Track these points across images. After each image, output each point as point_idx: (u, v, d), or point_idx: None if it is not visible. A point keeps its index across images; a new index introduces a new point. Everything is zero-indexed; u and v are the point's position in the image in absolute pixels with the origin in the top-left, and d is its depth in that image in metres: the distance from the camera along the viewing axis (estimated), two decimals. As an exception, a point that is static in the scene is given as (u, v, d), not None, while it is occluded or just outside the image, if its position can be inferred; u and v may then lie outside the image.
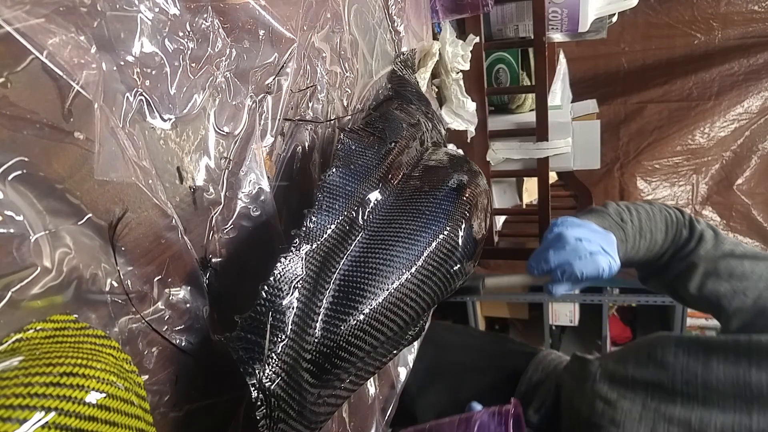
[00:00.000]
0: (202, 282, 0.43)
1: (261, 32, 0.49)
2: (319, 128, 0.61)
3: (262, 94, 0.50)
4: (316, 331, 0.46)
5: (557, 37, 1.22)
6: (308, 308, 0.45)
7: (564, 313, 2.30)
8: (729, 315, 0.66)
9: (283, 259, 0.43)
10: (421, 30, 0.93)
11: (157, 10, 0.38)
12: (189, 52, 0.41)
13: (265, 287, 0.41)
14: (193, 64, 0.42)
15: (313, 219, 0.47)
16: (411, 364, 0.94)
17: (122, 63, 0.36)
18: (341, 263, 0.50)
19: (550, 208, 1.18)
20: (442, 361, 0.94)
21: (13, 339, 0.29)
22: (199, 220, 0.44)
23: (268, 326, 0.41)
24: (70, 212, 0.33)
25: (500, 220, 1.43)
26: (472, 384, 0.89)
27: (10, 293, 0.29)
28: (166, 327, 0.40)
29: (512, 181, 1.44)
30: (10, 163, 0.29)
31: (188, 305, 0.42)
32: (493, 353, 0.93)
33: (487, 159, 1.19)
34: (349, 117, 0.67)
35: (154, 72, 0.38)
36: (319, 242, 0.47)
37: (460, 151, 0.87)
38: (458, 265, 0.59)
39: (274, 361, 0.41)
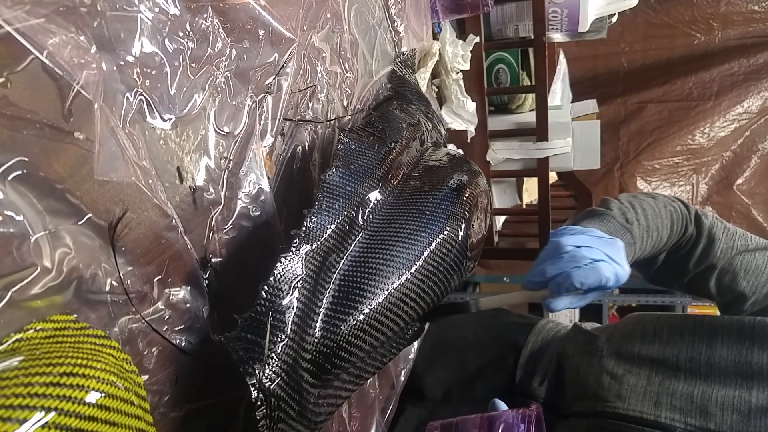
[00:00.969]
0: (202, 282, 0.43)
1: (261, 32, 0.49)
2: (319, 128, 0.61)
3: (262, 94, 0.50)
4: (316, 331, 0.46)
5: (557, 37, 1.22)
6: (308, 308, 0.45)
7: (564, 313, 2.30)
8: (746, 307, 0.69)
9: (283, 259, 0.43)
10: (421, 30, 0.93)
11: (157, 10, 0.38)
12: (189, 52, 0.41)
13: (265, 287, 0.41)
14: (193, 64, 0.42)
15: (313, 219, 0.47)
16: (411, 364, 0.94)
17: (122, 63, 0.36)
18: (341, 263, 0.50)
19: (550, 208, 1.18)
20: (444, 338, 0.95)
21: (13, 339, 0.29)
22: (199, 220, 0.44)
23: (268, 326, 0.41)
24: (70, 212, 0.33)
25: (500, 220, 1.43)
26: (475, 358, 0.89)
27: (10, 293, 0.29)
28: (166, 327, 0.40)
29: (512, 181, 1.44)
30: (10, 163, 0.29)
31: (188, 305, 0.42)
32: (493, 327, 0.94)
33: (487, 159, 1.19)
34: (349, 117, 0.67)
35: (154, 72, 0.38)
36: (319, 242, 0.47)
37: (460, 151, 0.87)
38: (458, 265, 0.59)
39: (274, 361, 0.41)
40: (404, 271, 0.52)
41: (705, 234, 0.71)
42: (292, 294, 0.43)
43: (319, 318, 0.46)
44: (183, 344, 0.42)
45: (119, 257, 0.36)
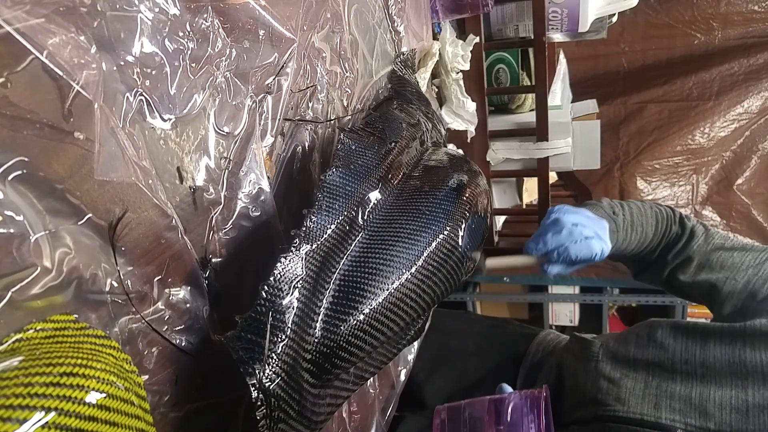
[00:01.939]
0: (202, 282, 0.43)
1: (261, 32, 0.49)
2: (319, 128, 0.61)
3: (262, 94, 0.50)
4: (316, 331, 0.46)
5: (557, 37, 1.22)
6: (308, 308, 0.45)
7: (564, 313, 2.30)
8: (722, 299, 0.72)
9: (283, 259, 0.43)
10: (421, 30, 0.93)
11: (157, 10, 0.38)
12: (189, 52, 0.41)
13: (265, 287, 0.41)
14: (193, 64, 0.42)
15: (313, 219, 0.47)
16: (411, 364, 0.94)
17: (122, 63, 0.36)
18: (341, 263, 0.50)
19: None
20: (446, 347, 0.96)
21: (13, 339, 0.29)
22: (199, 220, 0.44)
23: (268, 326, 0.41)
24: (70, 212, 0.33)
25: (500, 220, 1.43)
26: (476, 367, 0.90)
27: (10, 293, 0.29)
28: (166, 327, 0.40)
29: (512, 181, 1.44)
30: (10, 163, 0.29)
31: (188, 305, 0.42)
32: (495, 336, 0.96)
33: (487, 159, 1.19)
34: (349, 117, 0.67)
35: (154, 72, 0.38)
36: (319, 242, 0.47)
37: (460, 151, 0.87)
38: (458, 265, 0.59)
39: (274, 361, 0.41)
40: (404, 271, 0.52)
41: (687, 232, 0.76)
42: (292, 294, 0.43)
43: (319, 318, 0.46)
44: (183, 344, 0.42)
45: (119, 257, 0.36)
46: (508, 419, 0.58)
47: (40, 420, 0.25)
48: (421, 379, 0.93)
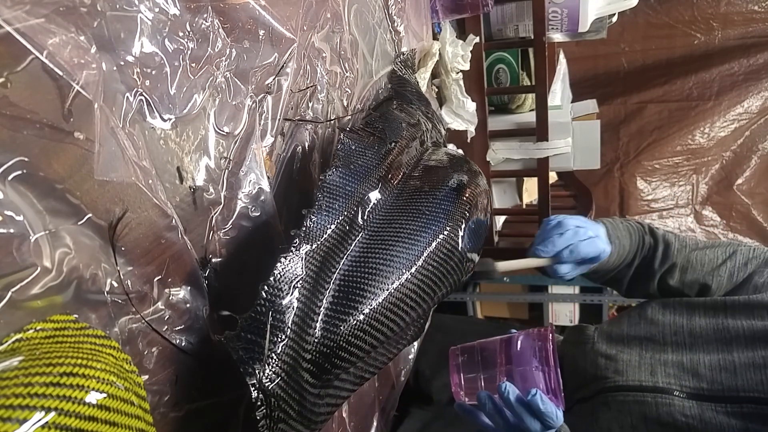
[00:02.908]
0: (202, 282, 0.43)
1: (261, 32, 0.49)
2: (319, 128, 0.61)
3: (262, 94, 0.50)
4: (316, 331, 0.46)
5: (557, 37, 1.22)
6: (308, 308, 0.45)
7: (564, 313, 2.30)
8: (713, 292, 0.78)
9: (283, 259, 0.43)
10: (421, 30, 0.93)
11: (157, 10, 0.38)
12: (189, 52, 0.41)
13: (265, 287, 0.41)
14: (193, 64, 0.42)
15: (313, 219, 0.47)
16: (412, 363, 0.94)
17: (122, 63, 0.36)
18: (341, 263, 0.50)
19: (550, 208, 1.18)
20: (451, 345, 0.99)
21: (13, 339, 0.29)
22: (199, 220, 0.44)
23: (268, 326, 0.41)
24: (70, 212, 0.33)
25: (500, 220, 1.43)
26: None
27: (10, 293, 0.29)
28: (166, 327, 0.40)
29: (512, 181, 1.44)
30: (10, 163, 0.29)
31: (188, 305, 0.42)
32: (497, 334, 0.98)
33: (487, 159, 1.18)
34: (349, 117, 0.67)
35: (154, 72, 0.38)
36: (319, 242, 0.47)
37: (460, 151, 0.87)
38: (458, 265, 0.59)
39: (274, 361, 0.41)
40: (404, 271, 0.52)
41: (660, 240, 0.80)
42: (292, 294, 0.43)
43: (319, 318, 0.46)
44: (183, 344, 0.42)
45: (119, 257, 0.36)
46: (518, 349, 0.63)
47: (40, 420, 0.25)
48: (428, 375, 0.96)
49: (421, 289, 0.54)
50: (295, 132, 0.56)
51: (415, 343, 0.95)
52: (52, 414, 0.26)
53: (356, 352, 0.49)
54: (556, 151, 1.16)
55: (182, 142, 0.41)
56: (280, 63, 0.52)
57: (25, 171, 0.30)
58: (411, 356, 0.95)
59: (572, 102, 1.42)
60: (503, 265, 0.75)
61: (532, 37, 1.08)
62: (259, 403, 0.39)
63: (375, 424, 0.79)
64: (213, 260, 0.45)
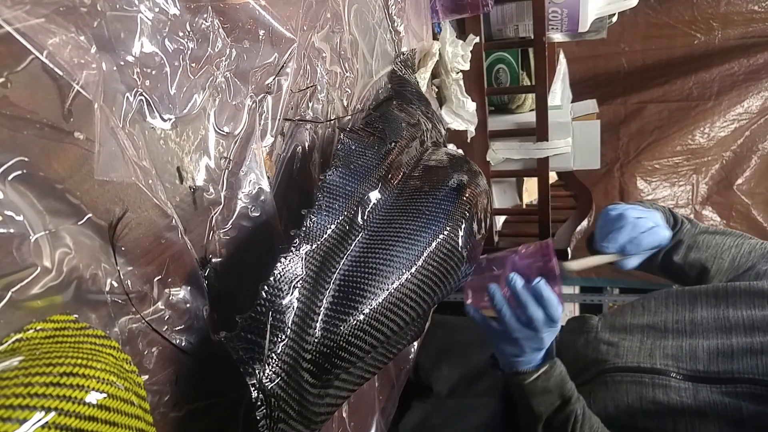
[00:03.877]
0: (202, 282, 0.43)
1: (261, 32, 0.49)
2: (319, 128, 0.61)
3: (262, 94, 0.50)
4: (316, 331, 0.46)
5: (557, 37, 1.22)
6: (308, 308, 0.45)
7: (564, 313, 2.30)
8: (710, 278, 0.80)
9: (283, 259, 0.43)
10: (421, 30, 0.93)
11: (157, 10, 0.38)
12: (189, 52, 0.41)
13: (265, 287, 0.41)
14: (193, 64, 0.42)
15: (313, 219, 0.47)
16: (411, 364, 0.94)
17: (122, 63, 0.36)
18: (341, 263, 0.50)
19: (550, 208, 1.18)
20: (450, 340, 1.02)
21: (13, 339, 0.29)
22: (199, 220, 0.44)
23: (268, 326, 0.41)
24: (70, 212, 0.33)
25: (500, 220, 1.43)
26: (480, 356, 0.95)
27: (10, 293, 0.29)
28: (166, 327, 0.40)
29: (512, 181, 1.44)
30: (10, 163, 0.29)
31: (188, 305, 0.42)
32: None
33: (487, 159, 1.18)
34: (349, 117, 0.67)
35: (154, 72, 0.38)
36: (319, 242, 0.47)
37: (460, 151, 0.87)
38: (458, 265, 0.59)
39: (274, 361, 0.41)
40: (404, 271, 0.52)
41: (679, 220, 0.84)
42: (292, 294, 0.43)
43: (319, 318, 0.46)
44: (183, 344, 0.42)
45: (119, 257, 0.36)
46: (523, 252, 0.67)
47: (40, 420, 0.25)
48: (428, 367, 0.98)
49: (421, 289, 0.54)
50: (295, 132, 0.56)
51: (415, 343, 0.95)
52: (52, 414, 0.26)
53: (356, 352, 0.49)
54: (556, 151, 1.16)
55: (182, 142, 0.41)
56: (280, 63, 0.52)
57: (25, 171, 0.30)
58: (411, 356, 0.95)
59: (572, 102, 1.42)
60: (575, 265, 0.76)
61: (532, 37, 1.08)
62: (259, 403, 0.39)
63: (375, 424, 0.79)
64: (213, 260, 0.45)
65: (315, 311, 0.46)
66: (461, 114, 1.04)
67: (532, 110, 1.16)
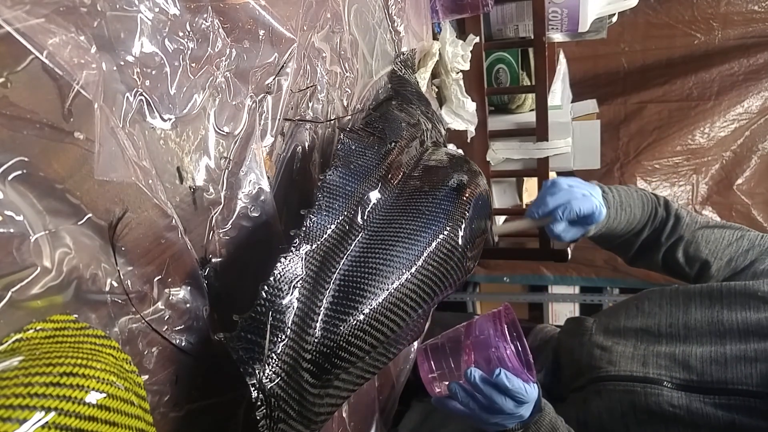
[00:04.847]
0: (202, 282, 0.43)
1: (261, 32, 0.49)
2: (319, 128, 0.61)
3: (262, 94, 0.50)
4: (316, 331, 0.46)
5: (557, 37, 1.22)
6: (308, 308, 0.45)
7: (564, 313, 2.30)
8: (710, 276, 0.79)
9: (283, 259, 0.43)
10: (421, 30, 0.93)
11: (157, 10, 0.38)
12: (189, 52, 0.41)
13: (265, 287, 0.41)
14: (193, 64, 0.42)
15: (313, 219, 0.47)
16: (411, 364, 0.94)
17: (122, 63, 0.36)
18: (341, 263, 0.50)
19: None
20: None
21: (13, 339, 0.29)
22: (199, 220, 0.44)
23: (268, 326, 0.41)
24: (70, 212, 0.33)
25: (500, 220, 1.43)
26: None
27: (10, 293, 0.29)
28: (166, 327, 0.40)
29: (512, 181, 1.44)
30: (10, 163, 0.29)
31: (188, 305, 0.42)
32: None
33: (487, 159, 1.18)
34: (349, 117, 0.67)
35: (154, 72, 0.38)
36: (318, 242, 0.47)
37: (460, 151, 0.87)
38: (458, 265, 0.59)
39: (274, 361, 0.41)
40: (404, 271, 0.52)
41: (673, 214, 0.81)
42: (292, 294, 0.43)
43: (319, 318, 0.46)
44: (183, 344, 0.42)
45: (119, 257, 0.36)
46: (477, 333, 0.64)
47: (40, 420, 0.25)
48: None
49: (421, 289, 0.54)
50: (295, 132, 0.56)
51: (415, 343, 0.95)
52: (52, 414, 0.26)
53: (356, 352, 0.49)
54: (556, 151, 1.16)
55: (182, 142, 0.41)
56: (280, 63, 0.52)
57: (25, 171, 0.30)
58: (411, 356, 0.95)
59: (572, 102, 1.42)
60: (499, 229, 0.76)
61: (532, 37, 1.08)
62: (259, 403, 0.39)
63: (375, 424, 0.79)
64: (213, 260, 0.45)
65: (315, 311, 0.46)
66: (461, 114, 1.04)
67: (532, 110, 1.16)
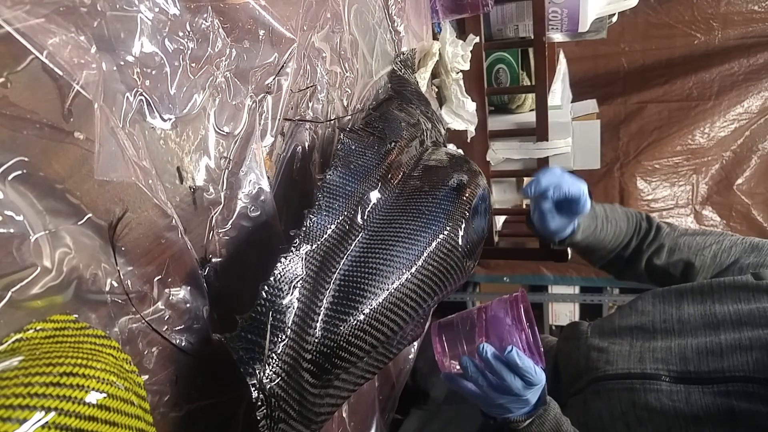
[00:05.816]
0: (202, 282, 0.43)
1: (261, 32, 0.49)
2: (319, 128, 0.61)
3: (262, 94, 0.50)
4: (317, 331, 0.46)
5: (557, 37, 1.22)
6: (308, 308, 0.45)
7: (564, 313, 2.30)
8: (695, 274, 0.81)
9: (283, 259, 0.43)
10: (421, 30, 0.93)
11: (157, 10, 0.38)
12: (189, 52, 0.41)
13: (265, 287, 0.41)
14: (193, 64, 0.42)
15: (313, 219, 0.47)
16: (411, 364, 0.94)
17: (122, 63, 0.36)
18: (341, 263, 0.50)
19: (550, 208, 1.18)
20: None
21: (13, 339, 0.29)
22: (199, 220, 0.44)
23: (269, 326, 0.41)
24: (70, 212, 0.33)
25: (500, 220, 1.43)
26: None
27: (10, 293, 0.29)
28: (166, 327, 0.40)
29: (512, 181, 1.43)
30: (10, 163, 0.29)
31: (188, 305, 0.42)
32: None
33: (487, 159, 1.18)
34: (349, 117, 0.67)
35: (154, 72, 0.38)
36: (319, 242, 0.47)
37: (460, 151, 0.87)
38: (458, 265, 0.59)
39: (274, 361, 0.41)
40: (404, 271, 0.52)
41: (654, 225, 0.86)
42: (292, 294, 0.43)
43: (320, 318, 0.46)
44: (183, 344, 0.42)
45: (119, 257, 0.36)
46: (492, 314, 0.65)
47: (40, 420, 0.25)
48: (425, 371, 0.97)
49: (421, 289, 0.54)
50: (295, 132, 0.56)
51: (415, 343, 0.95)
52: (52, 414, 0.26)
53: (356, 352, 0.49)
54: (556, 151, 1.16)
55: (182, 142, 0.41)
56: (280, 63, 0.52)
57: (25, 171, 0.30)
58: (411, 356, 0.95)
59: (572, 102, 1.42)
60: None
61: (532, 37, 1.08)
62: (259, 403, 0.39)
63: (375, 424, 0.79)
64: (213, 260, 0.45)
65: (315, 311, 0.46)
66: (461, 114, 1.04)
67: (532, 110, 1.16)
